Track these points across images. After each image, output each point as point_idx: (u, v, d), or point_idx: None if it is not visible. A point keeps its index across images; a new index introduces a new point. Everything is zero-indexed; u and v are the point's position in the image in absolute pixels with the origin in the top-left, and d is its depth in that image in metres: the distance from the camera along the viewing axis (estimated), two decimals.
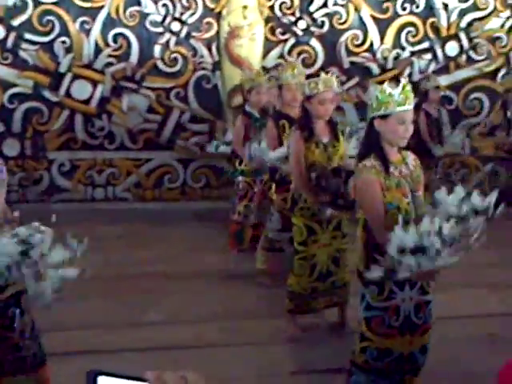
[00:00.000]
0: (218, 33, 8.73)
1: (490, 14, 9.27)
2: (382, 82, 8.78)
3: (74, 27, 8.54)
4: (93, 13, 8.55)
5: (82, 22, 8.54)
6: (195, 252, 6.77)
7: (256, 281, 5.90)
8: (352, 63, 8.98)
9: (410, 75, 8.99)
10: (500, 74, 9.41)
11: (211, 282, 5.89)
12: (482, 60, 9.35)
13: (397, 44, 9.11)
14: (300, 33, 8.88)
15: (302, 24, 8.86)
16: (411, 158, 3.62)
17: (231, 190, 8.62)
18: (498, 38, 9.36)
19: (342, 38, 8.96)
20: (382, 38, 9.05)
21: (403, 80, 3.50)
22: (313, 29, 8.90)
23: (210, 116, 8.86)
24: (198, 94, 8.87)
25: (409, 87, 3.44)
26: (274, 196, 5.79)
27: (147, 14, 8.63)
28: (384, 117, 3.40)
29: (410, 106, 3.42)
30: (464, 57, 9.31)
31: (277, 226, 5.75)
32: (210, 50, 8.78)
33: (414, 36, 9.13)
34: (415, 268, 3.12)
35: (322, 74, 4.69)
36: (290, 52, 8.89)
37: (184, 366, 4.13)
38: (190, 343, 4.62)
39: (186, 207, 8.70)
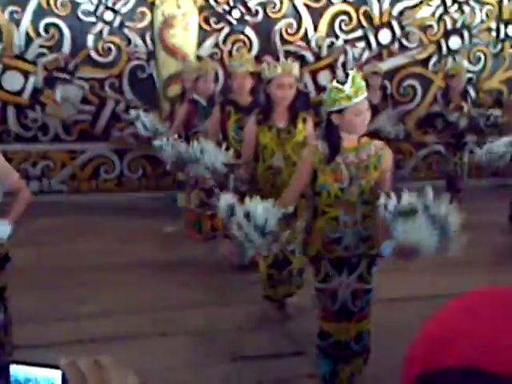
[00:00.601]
0: (151, 22, 8.66)
1: (420, 3, 9.45)
2: (316, 70, 9.02)
3: (3, 17, 8.34)
4: (22, 2, 8.37)
5: (12, 12, 8.35)
6: (132, 243, 6.74)
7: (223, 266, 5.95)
8: (287, 52, 9.02)
9: (343, 63, 9.12)
10: (432, 62, 9.61)
11: (148, 272, 5.85)
12: (414, 48, 9.53)
13: (330, 32, 9.20)
14: (234, 22, 8.88)
15: (236, 13, 8.85)
16: (373, 148, 3.57)
17: (169, 180, 8.65)
18: (429, 25, 9.55)
19: (277, 27, 9.00)
20: (315, 27, 9.13)
21: (352, 72, 3.52)
22: (247, 18, 8.91)
23: (145, 106, 8.78)
24: (132, 83, 8.80)
25: (358, 78, 3.46)
26: None
27: (79, 4, 8.49)
28: (340, 111, 3.44)
29: (362, 96, 3.44)
30: (396, 44, 9.47)
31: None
32: (144, 39, 8.71)
33: (347, 24, 9.23)
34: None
35: (282, 59, 4.73)
36: (224, 41, 8.89)
37: (119, 357, 4.13)
38: (125, 334, 4.59)
39: (122, 198, 8.63)
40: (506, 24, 9.83)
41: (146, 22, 8.68)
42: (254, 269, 5.23)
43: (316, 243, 3.54)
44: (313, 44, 9.12)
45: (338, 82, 3.46)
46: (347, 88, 3.38)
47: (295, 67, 4.67)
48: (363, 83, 3.49)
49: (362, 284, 3.60)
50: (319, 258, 3.56)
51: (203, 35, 8.83)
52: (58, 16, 8.46)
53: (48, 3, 8.40)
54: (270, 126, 4.59)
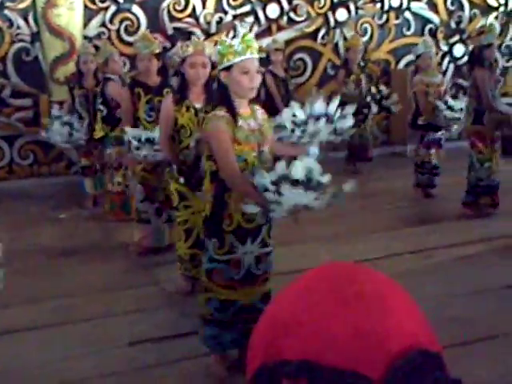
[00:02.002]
0: (34, 2, 8.35)
1: None
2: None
3: None
4: None
5: None
6: (29, 230, 6.58)
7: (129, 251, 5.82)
8: (175, 29, 8.94)
9: (233, 38, 9.09)
10: (320, 34, 9.73)
11: (45, 260, 5.72)
12: (302, 21, 9.62)
13: (219, 8, 9.17)
14: (120, 0, 8.70)
15: None
16: (260, 112, 3.61)
17: (61, 166, 8.47)
18: None
19: (164, 4, 8.89)
20: (203, 3, 9.07)
21: (243, 29, 3.47)
22: None
23: (33, 90, 8.53)
24: (17, 67, 8.50)
25: (249, 36, 3.39)
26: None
27: None
28: (227, 68, 3.38)
29: (252, 55, 3.37)
30: (285, 18, 9.53)
31: (140, 196, 5.66)
32: (26, 20, 8.41)
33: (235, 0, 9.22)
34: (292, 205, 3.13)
35: (194, 38, 4.64)
36: (111, 20, 8.71)
37: (20, 349, 4.00)
38: (24, 326, 4.47)
39: (15, 186, 8.38)
40: None
41: (27, 2, 8.37)
42: (169, 250, 5.34)
43: (235, 216, 3.48)
44: (201, 20, 9.06)
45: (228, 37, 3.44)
46: (236, 43, 3.34)
47: (208, 46, 4.65)
48: (255, 43, 3.43)
49: (264, 248, 3.63)
50: (224, 231, 3.50)
51: (89, 14, 8.61)
52: None
53: None
54: (188, 106, 4.55)
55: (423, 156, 7.44)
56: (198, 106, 4.56)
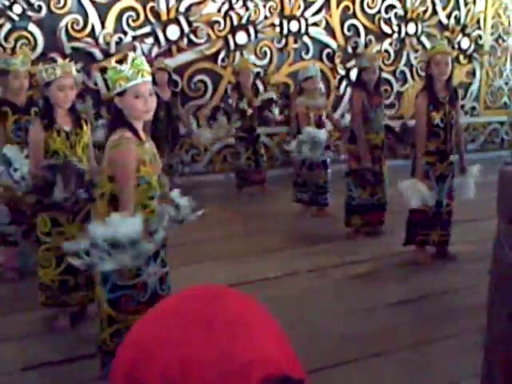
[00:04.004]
0: None
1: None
2: (105, 68, 8.83)
3: None
4: None
5: None
6: None
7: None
8: (74, 48, 8.80)
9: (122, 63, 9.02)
10: (220, 57, 9.81)
11: None
12: (203, 43, 9.67)
13: (118, 28, 9.09)
14: (16, 18, 8.49)
15: (17, 8, 8.46)
16: (149, 138, 3.61)
17: None
18: (216, 21, 9.74)
19: (62, 23, 8.73)
20: (102, 23, 8.97)
21: (131, 54, 3.43)
22: (30, 13, 8.56)
23: None
24: None
25: (139, 60, 3.37)
26: None
27: None
28: (121, 94, 3.36)
29: (144, 79, 3.36)
30: (185, 40, 9.56)
31: (5, 219, 5.46)
32: None
33: (134, 20, 9.17)
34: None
35: (59, 60, 4.53)
36: (6, 38, 8.45)
37: None
38: None
39: None
40: (289, 20, 10.26)
41: None
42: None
43: None
44: (100, 40, 8.96)
45: (116, 61, 3.42)
46: (126, 69, 3.32)
47: (73, 67, 4.55)
48: (146, 66, 3.42)
49: (164, 268, 3.64)
50: None
51: None
52: None
53: None
54: (59, 130, 4.43)
55: (305, 175, 7.62)
56: (66, 128, 4.47)
